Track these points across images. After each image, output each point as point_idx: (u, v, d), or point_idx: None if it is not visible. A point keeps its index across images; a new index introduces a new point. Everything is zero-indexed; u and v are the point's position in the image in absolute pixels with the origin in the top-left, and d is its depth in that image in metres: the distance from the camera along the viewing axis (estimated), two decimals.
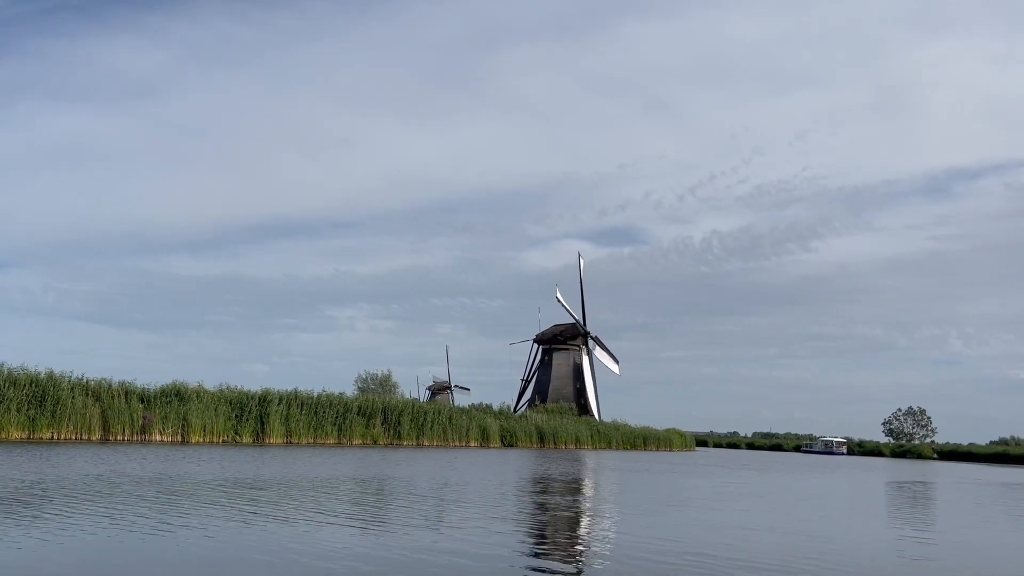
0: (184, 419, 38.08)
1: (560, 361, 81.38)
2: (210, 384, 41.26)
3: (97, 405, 35.85)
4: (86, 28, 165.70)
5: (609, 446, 64.70)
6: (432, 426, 49.59)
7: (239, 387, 42.19)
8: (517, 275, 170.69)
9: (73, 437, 34.60)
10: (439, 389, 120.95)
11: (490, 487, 20.92)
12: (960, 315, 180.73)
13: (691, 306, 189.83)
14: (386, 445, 46.04)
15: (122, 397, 36.72)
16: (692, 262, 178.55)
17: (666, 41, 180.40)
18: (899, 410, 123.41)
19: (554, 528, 13.77)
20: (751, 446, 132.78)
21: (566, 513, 16.09)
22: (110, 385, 36.89)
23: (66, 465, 20.89)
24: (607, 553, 11.19)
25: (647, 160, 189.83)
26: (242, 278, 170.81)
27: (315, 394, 45.06)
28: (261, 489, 17.24)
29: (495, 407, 65.44)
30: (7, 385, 33.18)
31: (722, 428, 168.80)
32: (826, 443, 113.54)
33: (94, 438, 35.16)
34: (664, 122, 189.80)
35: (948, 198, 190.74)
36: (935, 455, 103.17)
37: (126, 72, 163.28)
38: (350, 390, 75.06)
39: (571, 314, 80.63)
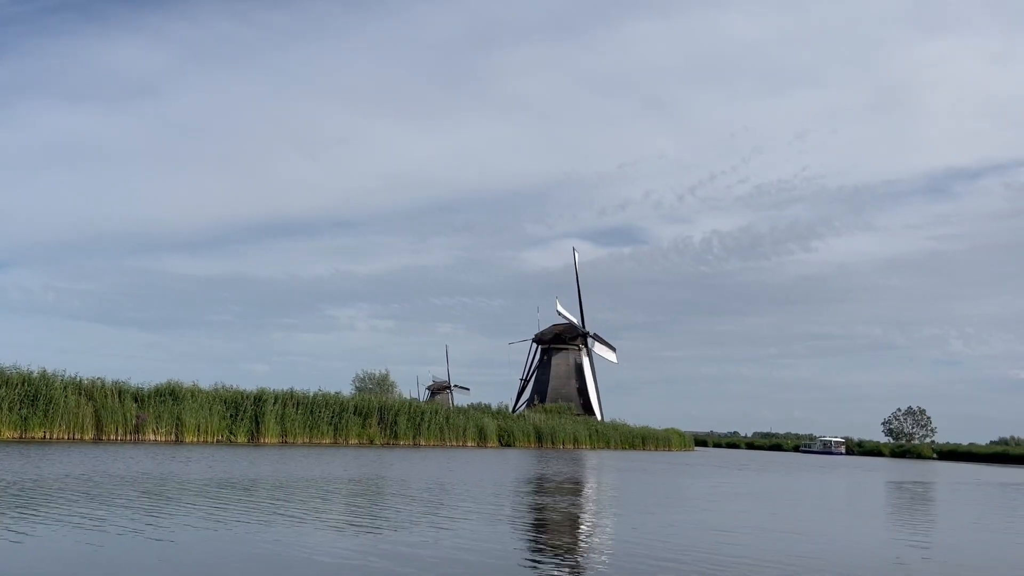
0: (178, 419, 37.84)
1: (559, 361, 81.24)
2: (207, 383, 41.17)
3: (90, 404, 35.60)
4: (86, 28, 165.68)
5: (608, 446, 64.49)
6: (429, 426, 49.36)
7: (234, 386, 42.05)
8: (517, 275, 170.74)
9: (66, 437, 34.37)
10: (439, 389, 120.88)
11: (479, 487, 20.69)
12: (960, 315, 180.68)
13: (691, 306, 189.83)
14: (382, 445, 45.82)
15: (115, 396, 36.48)
16: (692, 262, 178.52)
17: (666, 40, 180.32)
18: (899, 410, 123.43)
19: (540, 528, 13.53)
20: (751, 446, 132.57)
21: (553, 514, 15.86)
22: (103, 384, 36.63)
23: (49, 465, 20.65)
24: (591, 553, 10.99)
25: (647, 160, 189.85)
26: (242, 278, 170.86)
27: (311, 393, 44.88)
28: (246, 489, 17.01)
29: (493, 407, 65.41)
30: None
31: (722, 428, 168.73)
32: (825, 443, 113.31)
33: (87, 438, 34.93)
34: (664, 121, 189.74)
35: (948, 198, 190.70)
36: (935, 455, 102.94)
37: (126, 72, 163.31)
38: (348, 390, 74.98)
39: (572, 322, 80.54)
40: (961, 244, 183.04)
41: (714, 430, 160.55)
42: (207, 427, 38.84)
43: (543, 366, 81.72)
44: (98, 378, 37.01)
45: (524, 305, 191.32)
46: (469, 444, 51.70)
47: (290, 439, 42.12)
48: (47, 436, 33.86)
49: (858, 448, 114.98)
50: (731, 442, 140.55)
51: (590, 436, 63.19)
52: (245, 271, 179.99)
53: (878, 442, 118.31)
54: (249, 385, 42.58)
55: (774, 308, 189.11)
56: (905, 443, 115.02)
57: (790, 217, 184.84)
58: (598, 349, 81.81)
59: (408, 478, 22.65)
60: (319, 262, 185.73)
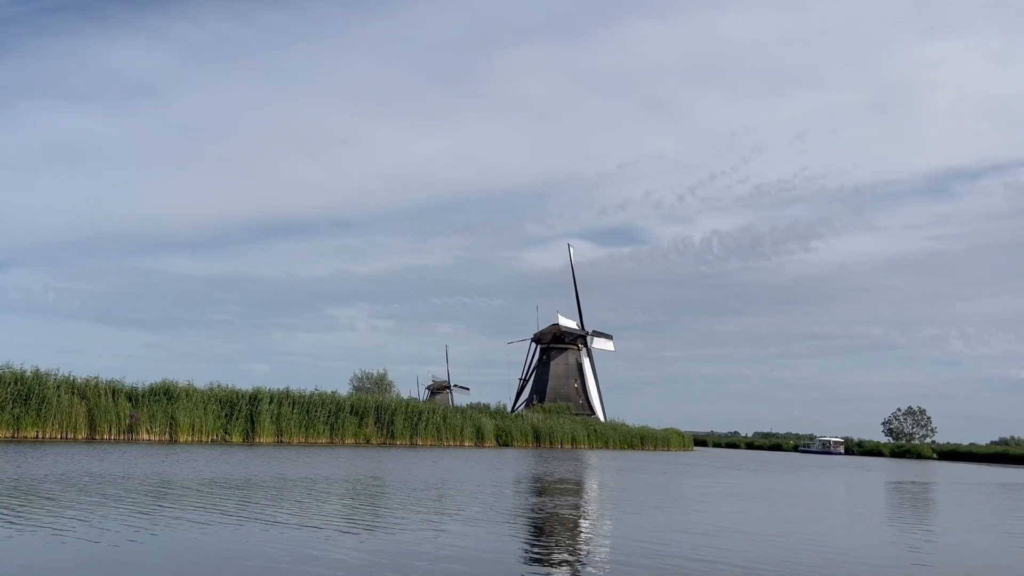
0: (172, 418, 37.66)
1: (558, 360, 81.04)
2: (207, 383, 40.98)
3: (83, 404, 35.43)
4: (86, 28, 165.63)
5: (606, 446, 64.30)
6: (426, 426, 49.18)
7: (230, 386, 41.84)
8: (517, 275, 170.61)
9: (59, 436, 34.20)
10: (439, 388, 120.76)
11: (468, 488, 20.49)
12: (960, 315, 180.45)
13: (691, 306, 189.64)
14: (379, 445, 45.63)
15: (109, 395, 36.30)
16: (692, 262, 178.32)
17: (665, 40, 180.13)
18: (899, 410, 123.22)
19: (526, 529, 13.32)
20: (751, 446, 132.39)
21: (542, 515, 15.65)
22: (97, 383, 36.44)
23: (32, 464, 20.44)
24: (573, 554, 10.81)
25: (647, 160, 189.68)
26: (242, 277, 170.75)
27: (307, 393, 44.68)
28: (230, 489, 16.82)
29: (492, 406, 65.15)
30: None
31: (723, 428, 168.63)
32: (824, 443, 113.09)
33: (80, 437, 34.76)
34: (664, 121, 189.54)
35: (948, 198, 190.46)
36: (935, 455, 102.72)
37: (126, 72, 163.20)
38: (347, 390, 74.77)
39: (574, 330, 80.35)
40: (961, 244, 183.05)
41: (714, 430, 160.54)
42: (201, 426, 38.66)
43: (542, 366, 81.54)
44: (92, 377, 36.92)
45: (524, 305, 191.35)
46: (466, 444, 51.52)
47: (286, 439, 41.94)
48: (40, 436, 33.69)
49: (858, 448, 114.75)
50: (731, 442, 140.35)
51: (588, 436, 62.99)
52: (245, 271, 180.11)
53: (878, 442, 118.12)
54: (249, 385, 42.48)
55: (774, 308, 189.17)
56: (905, 443, 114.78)
57: (790, 217, 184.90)
58: (597, 343, 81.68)
59: (396, 478, 22.45)
60: (319, 262, 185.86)
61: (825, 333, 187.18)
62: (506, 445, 54.57)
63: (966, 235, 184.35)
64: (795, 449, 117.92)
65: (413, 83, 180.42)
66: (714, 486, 27.66)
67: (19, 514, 11.68)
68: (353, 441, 45.25)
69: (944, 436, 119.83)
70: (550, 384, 79.97)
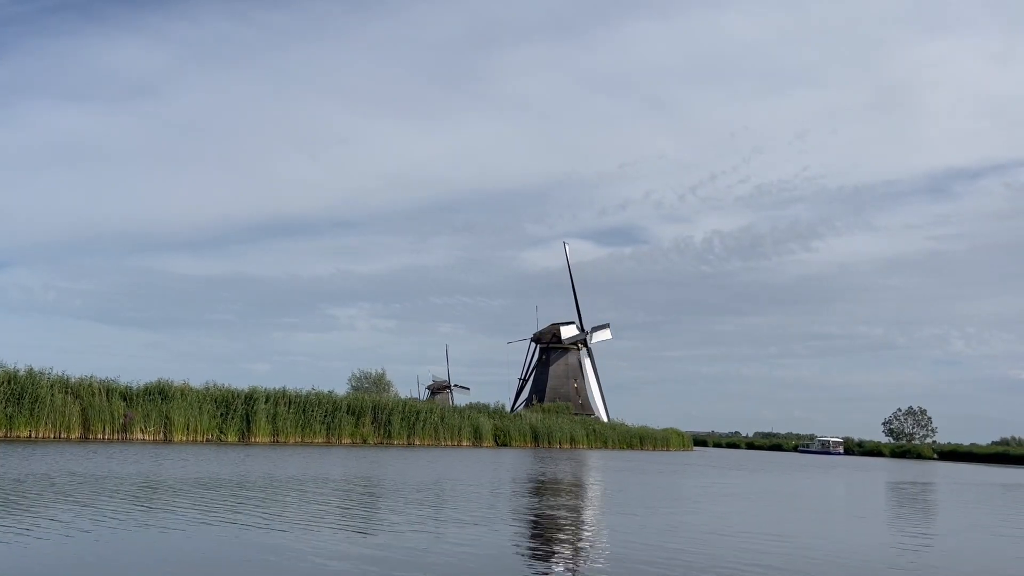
0: (167, 417, 37.44)
1: (558, 360, 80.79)
2: (202, 383, 40.74)
3: (77, 403, 35.21)
4: (86, 28, 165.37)
5: (605, 446, 64.08)
6: (423, 425, 48.95)
7: (227, 385, 41.59)
8: (517, 274, 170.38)
9: (52, 435, 33.98)
10: (439, 388, 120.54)
11: (460, 488, 20.27)
12: (960, 315, 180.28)
13: (692, 306, 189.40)
14: (376, 444, 45.42)
15: (103, 395, 36.07)
16: (693, 262, 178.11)
17: (666, 40, 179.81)
18: (899, 410, 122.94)
19: (520, 530, 13.09)
20: (751, 446, 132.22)
21: (531, 515, 15.44)
22: (91, 383, 36.20)
23: (14, 464, 20.19)
24: (564, 556, 10.60)
25: (647, 160, 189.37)
26: (243, 277, 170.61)
27: (303, 392, 44.43)
28: (213, 489, 16.59)
29: (490, 406, 64.86)
30: None
31: (724, 428, 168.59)
32: (823, 443, 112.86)
33: (74, 436, 34.54)
34: (664, 121, 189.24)
35: (948, 198, 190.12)
36: (935, 455, 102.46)
37: (126, 72, 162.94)
38: (345, 389, 74.53)
39: (575, 336, 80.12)
40: (961, 244, 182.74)
41: (716, 430, 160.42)
42: (196, 426, 38.43)
43: (541, 366, 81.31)
44: (86, 377, 36.68)
45: (524, 305, 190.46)
46: (464, 444, 51.29)
47: (282, 438, 41.71)
48: (33, 435, 33.46)
49: (858, 448, 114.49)
50: (731, 442, 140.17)
51: (587, 436, 62.77)
52: (245, 271, 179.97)
53: (878, 442, 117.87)
54: (249, 385, 42.20)
55: (775, 308, 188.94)
56: (906, 443, 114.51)
57: (791, 217, 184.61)
58: (596, 336, 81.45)
59: (392, 479, 22.23)
60: (319, 262, 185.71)
61: (825, 333, 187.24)
62: (504, 445, 54.34)
63: (966, 235, 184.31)
64: (795, 449, 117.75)
65: (413, 83, 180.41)
66: (709, 486, 27.44)
67: None
68: (350, 441, 45.02)
69: (945, 436, 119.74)
70: (549, 384, 79.73)
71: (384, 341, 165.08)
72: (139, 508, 13.00)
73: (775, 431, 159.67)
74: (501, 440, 54.86)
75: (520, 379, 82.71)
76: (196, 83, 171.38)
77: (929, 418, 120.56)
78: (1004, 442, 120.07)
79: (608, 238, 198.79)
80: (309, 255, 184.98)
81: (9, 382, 33.24)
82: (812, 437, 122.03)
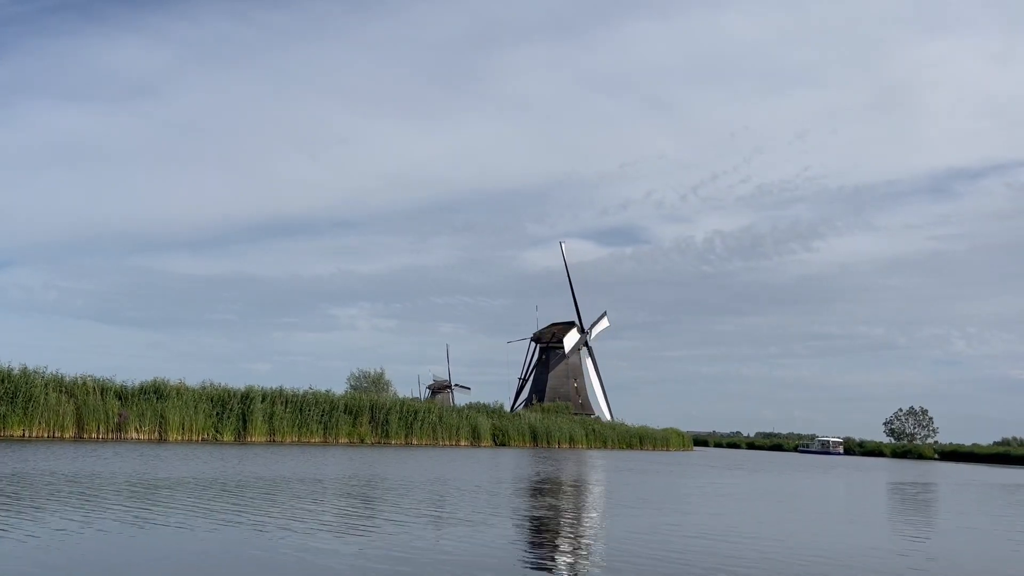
0: (162, 416, 37.17)
1: (557, 360, 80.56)
2: (198, 382, 40.45)
3: (71, 402, 34.95)
4: (86, 28, 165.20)
5: (605, 446, 63.86)
6: (421, 425, 48.70)
7: (224, 384, 41.33)
8: (518, 274, 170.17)
9: (45, 435, 33.73)
10: (439, 388, 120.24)
11: (458, 487, 20.01)
12: (961, 315, 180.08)
13: (692, 306, 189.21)
14: (373, 444, 45.16)
15: (98, 394, 35.80)
16: (694, 262, 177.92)
17: (666, 40, 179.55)
18: (900, 410, 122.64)
19: (515, 530, 12.83)
20: (752, 446, 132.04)
21: (531, 516, 15.18)
22: (85, 382, 35.94)
23: (4, 464, 19.94)
24: (556, 556, 10.36)
25: (648, 159, 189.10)
26: (243, 277, 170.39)
27: (300, 391, 44.17)
28: (201, 488, 16.34)
29: (489, 406, 64.59)
30: None
31: (724, 428, 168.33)
32: (823, 443, 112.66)
33: (68, 436, 34.29)
34: (664, 121, 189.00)
35: (949, 198, 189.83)
36: (936, 455, 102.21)
37: (126, 72, 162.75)
38: (344, 389, 74.19)
39: (577, 342, 79.90)
40: (962, 244, 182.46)
41: (716, 430, 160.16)
42: (192, 425, 38.16)
43: (541, 366, 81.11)
44: (80, 376, 36.43)
45: (525, 305, 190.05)
46: (463, 443, 51.05)
47: (278, 438, 41.46)
48: (26, 434, 33.22)
49: (859, 448, 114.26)
50: (732, 442, 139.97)
51: (587, 436, 62.56)
52: (246, 271, 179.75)
53: (879, 442, 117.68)
54: (248, 385, 41.91)
55: (775, 308, 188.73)
56: (906, 443, 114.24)
57: (791, 217, 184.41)
58: (595, 330, 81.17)
59: (388, 478, 21.98)
60: (320, 262, 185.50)
61: (826, 333, 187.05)
62: (503, 445, 54.11)
63: (967, 235, 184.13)
64: (795, 449, 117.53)
65: (413, 83, 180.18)
66: (707, 486, 27.19)
67: None
68: (347, 440, 44.78)
69: (945, 436, 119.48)
70: (549, 384, 79.54)
71: (385, 341, 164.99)
72: (127, 508, 12.74)
73: (776, 431, 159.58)
74: (499, 440, 54.62)
75: (520, 379, 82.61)
76: (196, 83, 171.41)
77: (930, 418, 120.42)
78: (1005, 442, 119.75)
79: (609, 238, 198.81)
80: (309, 255, 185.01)
81: (3, 381, 32.98)
82: (812, 437, 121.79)
